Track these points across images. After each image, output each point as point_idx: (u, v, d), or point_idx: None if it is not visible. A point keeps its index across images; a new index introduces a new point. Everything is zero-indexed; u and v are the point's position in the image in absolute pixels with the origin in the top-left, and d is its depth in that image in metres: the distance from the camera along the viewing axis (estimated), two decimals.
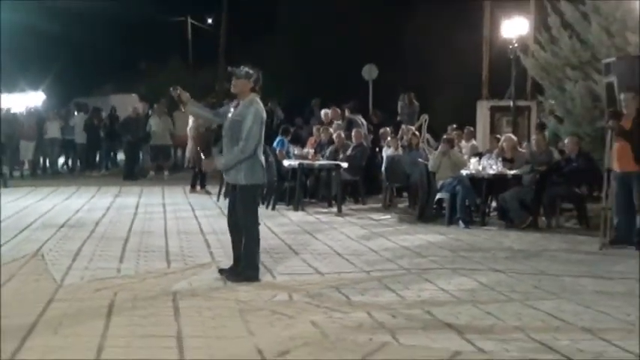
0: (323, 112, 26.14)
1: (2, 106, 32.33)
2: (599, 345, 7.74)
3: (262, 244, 12.01)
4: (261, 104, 10.84)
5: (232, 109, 10.80)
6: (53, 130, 31.16)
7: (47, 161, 31.79)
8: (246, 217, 10.86)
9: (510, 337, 8.01)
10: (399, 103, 29.05)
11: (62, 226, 16.36)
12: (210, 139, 20.41)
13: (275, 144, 21.39)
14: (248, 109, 10.58)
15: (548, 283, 10.75)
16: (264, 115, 10.84)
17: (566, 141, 17.83)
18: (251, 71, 10.80)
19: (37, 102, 39.66)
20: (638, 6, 16.98)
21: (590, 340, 7.91)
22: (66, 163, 33.07)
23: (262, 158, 10.92)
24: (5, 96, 39.72)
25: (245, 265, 10.79)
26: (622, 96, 14.24)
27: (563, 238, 15.34)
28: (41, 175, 30.46)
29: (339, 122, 24.01)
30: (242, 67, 10.92)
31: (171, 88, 11.01)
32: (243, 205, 10.90)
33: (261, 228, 13.62)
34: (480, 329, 8.29)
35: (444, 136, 19.30)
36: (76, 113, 32.71)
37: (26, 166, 30.36)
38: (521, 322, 8.62)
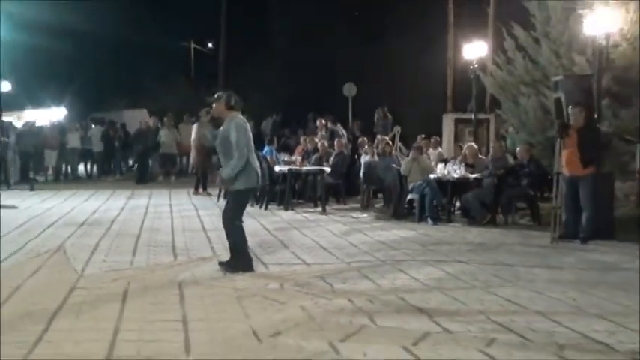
0: (318, 121, 26.19)
1: (29, 120, 32.25)
2: (551, 326, 7.73)
3: (257, 239, 12.06)
4: (241, 117, 10.90)
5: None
6: (74, 141, 31.11)
7: (68, 168, 31.71)
8: (234, 217, 10.90)
9: (473, 319, 8.00)
10: (375, 117, 29.06)
11: (82, 225, 16.31)
12: (210, 149, 20.44)
13: (264, 152, 21.38)
14: (230, 124, 10.70)
15: (506, 273, 10.75)
16: (246, 125, 10.91)
17: (517, 149, 17.90)
18: (222, 94, 11.01)
19: (59, 116, 39.60)
20: (582, 31, 16.98)
21: (543, 321, 7.91)
22: (85, 169, 32.98)
23: (257, 164, 10.95)
24: (31, 111, 39.69)
25: (238, 257, 10.80)
26: (570, 110, 14.29)
27: (519, 233, 15.35)
28: (63, 180, 30.35)
29: (323, 133, 24.04)
30: (216, 94, 11.13)
31: (204, 110, 11.13)
32: (235, 206, 10.97)
33: (255, 225, 13.66)
34: (446, 312, 8.28)
35: (414, 145, 19.34)
36: (93, 126, 32.78)
37: (50, 172, 30.27)
38: (482, 306, 8.62)
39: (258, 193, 19.34)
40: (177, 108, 33.65)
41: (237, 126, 10.70)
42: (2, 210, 18.92)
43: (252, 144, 10.90)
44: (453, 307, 8.57)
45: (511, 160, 18.10)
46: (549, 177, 15.61)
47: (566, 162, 14.05)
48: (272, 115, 33.08)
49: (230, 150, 10.67)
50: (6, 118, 31.74)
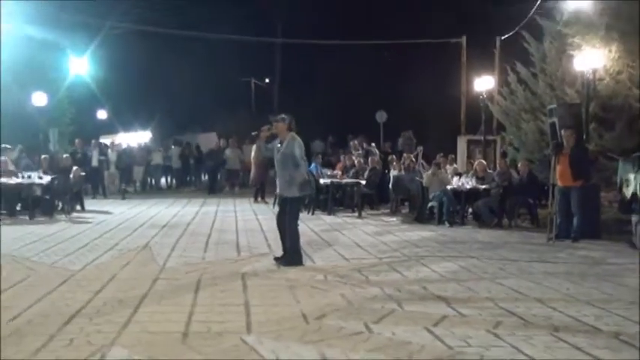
0: (351, 143, 26.25)
1: (121, 142, 32.57)
2: (548, 311, 7.65)
3: (305, 239, 12.02)
4: (299, 138, 10.92)
5: (278, 145, 10.92)
6: (157, 159, 31.39)
7: (153, 180, 31.95)
8: (292, 220, 10.90)
9: (483, 305, 7.94)
10: (400, 140, 29.04)
11: (163, 227, 16.41)
12: (267, 165, 20.48)
13: (311, 167, 21.38)
14: (293, 143, 10.74)
15: (510, 266, 10.66)
16: (303, 145, 10.93)
17: (519, 164, 17.82)
18: (285, 117, 11.00)
19: (145, 138, 39.94)
20: (572, 67, 16.89)
21: (541, 307, 7.83)
22: (166, 182, 33.20)
23: (310, 177, 11.04)
24: (123, 134, 40.12)
25: (292, 253, 10.81)
26: (562, 132, 14.23)
27: (520, 234, 15.24)
28: (148, 190, 30.55)
29: (359, 152, 24.05)
30: (279, 115, 11.13)
31: (266, 127, 11.15)
32: (292, 211, 10.96)
33: (304, 227, 13.63)
34: (461, 299, 8.22)
35: (434, 162, 19.30)
36: (173, 146, 32.94)
37: (137, 184, 30.47)
38: (490, 294, 8.55)
39: (306, 201, 19.38)
40: (240, 131, 33.71)
41: (300, 145, 10.81)
42: (100, 215, 19.12)
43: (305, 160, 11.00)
44: (466, 295, 8.51)
45: (514, 174, 18.00)
46: (545, 187, 15.50)
47: (560, 175, 14.03)
48: (327, 137, 33.24)
49: (288, 163, 10.74)
50: (102, 141, 32.12)
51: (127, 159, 29.35)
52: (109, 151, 28.29)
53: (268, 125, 11.19)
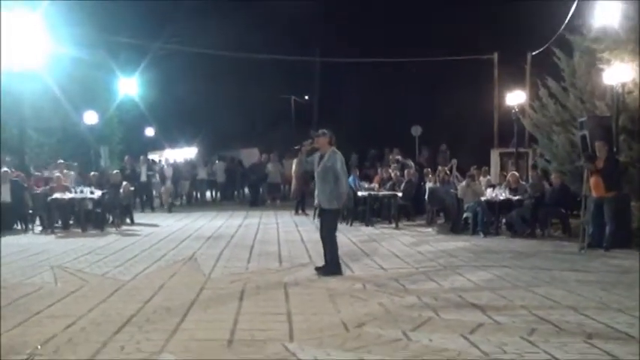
0: (390, 157, 26.24)
1: (169, 158, 32.85)
2: (581, 318, 7.57)
3: (344, 249, 12.02)
4: (340, 152, 10.93)
5: (317, 159, 10.94)
6: (202, 173, 31.57)
7: (198, 194, 32.11)
8: (330, 231, 10.93)
9: (517, 313, 7.88)
10: (439, 156, 29.01)
11: (209, 238, 16.49)
12: (307, 178, 20.53)
13: (349, 180, 21.34)
14: (335, 157, 10.79)
15: (543, 275, 10.57)
16: (344, 159, 10.95)
17: (552, 176, 17.67)
18: (326, 132, 11.03)
19: (191, 154, 40.21)
20: (602, 81, 16.72)
21: (574, 315, 7.75)
22: (211, 195, 33.31)
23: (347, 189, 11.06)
24: (169, 150, 40.47)
25: (331, 263, 10.81)
26: (596, 144, 14.15)
27: (553, 243, 15.09)
28: (193, 204, 30.73)
29: (395, 165, 23.99)
30: (320, 130, 11.16)
31: (308, 141, 11.23)
32: (331, 222, 11.00)
33: (343, 238, 13.66)
34: (495, 307, 8.16)
35: (468, 174, 19.17)
36: (217, 161, 33.08)
37: (184, 197, 30.63)
38: (524, 302, 8.47)
39: (345, 213, 19.39)
40: (281, 146, 33.85)
41: (341, 159, 10.87)
42: (148, 227, 19.29)
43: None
44: (501, 304, 8.44)
45: (546, 185, 17.86)
46: (578, 198, 15.35)
47: (592, 186, 13.91)
48: (366, 151, 33.25)
49: (329, 177, 10.78)
50: (150, 157, 32.46)
51: (175, 174, 29.62)
52: (165, 166, 28.50)
53: (310, 140, 11.23)
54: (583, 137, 14.98)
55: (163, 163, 30.30)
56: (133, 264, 12.20)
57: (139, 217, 22.46)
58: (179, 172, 30.14)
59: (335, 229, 11.04)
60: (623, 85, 16.08)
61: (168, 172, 27.78)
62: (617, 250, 13.26)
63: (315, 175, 11.12)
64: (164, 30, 35.35)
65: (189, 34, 36.07)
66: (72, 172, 22.48)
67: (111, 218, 20.19)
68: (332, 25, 43.94)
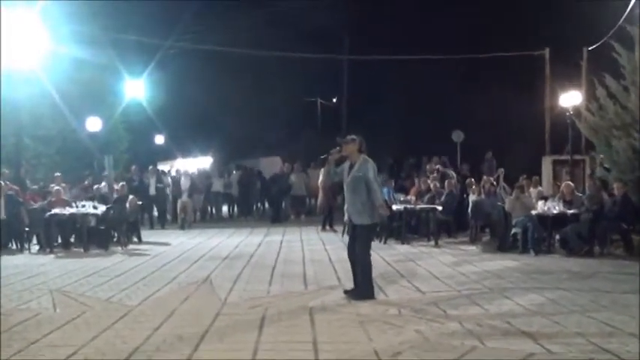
0: (428, 166, 26.25)
1: (185, 169, 32.92)
2: None
3: (377, 270, 11.99)
4: (372, 160, 10.93)
5: (347, 169, 10.95)
6: (218, 185, 31.60)
7: (213, 209, 32.20)
8: (364, 249, 10.90)
9: (572, 341, 7.84)
10: (485, 164, 28.91)
11: (225, 258, 16.55)
12: (336, 190, 20.54)
13: (383, 193, 21.34)
14: (366, 166, 10.77)
15: (602, 298, 10.50)
16: (376, 168, 10.94)
17: (614, 186, 17.55)
18: (355, 137, 11.05)
19: (206, 164, 40.35)
20: None
21: (637, 343, 7.70)
22: (228, 210, 33.33)
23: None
24: (181, 160, 40.60)
25: (363, 286, 10.80)
26: None
27: (613, 263, 14.99)
28: (208, 219, 30.83)
29: (435, 175, 23.95)
30: (348, 136, 11.15)
31: (336, 149, 11.22)
32: (365, 240, 10.96)
33: (376, 257, 13.60)
34: (548, 335, 8.13)
35: (517, 185, 19.10)
36: (234, 172, 33.08)
37: (197, 213, 30.68)
38: (581, 329, 8.43)
39: (378, 229, 19.37)
40: (306, 155, 33.89)
41: (373, 167, 10.87)
42: (157, 246, 19.41)
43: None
44: (554, 330, 8.40)
45: (605, 197, 17.74)
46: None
47: None
48: (407, 158, 33.21)
49: (360, 187, 10.76)
50: (160, 167, 32.60)
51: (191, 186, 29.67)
52: (182, 178, 28.60)
53: (338, 147, 11.23)
54: None
55: (180, 173, 30.39)
56: (141, 287, 12.27)
57: (147, 234, 22.59)
58: (194, 184, 30.25)
59: (369, 247, 11.01)
60: None
61: (185, 184, 27.84)
62: None
63: (345, 186, 11.11)
64: (175, 27, 35.53)
65: (202, 31, 36.21)
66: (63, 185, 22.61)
67: (116, 236, 20.29)
68: (362, 18, 43.97)
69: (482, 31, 37.58)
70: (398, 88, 43.45)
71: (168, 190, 28.58)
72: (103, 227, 19.71)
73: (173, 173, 31.40)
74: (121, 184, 22.78)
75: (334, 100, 56.41)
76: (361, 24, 44.20)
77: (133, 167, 28.57)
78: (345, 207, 11.25)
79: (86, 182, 22.84)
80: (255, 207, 33.58)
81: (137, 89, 33.73)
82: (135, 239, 20.92)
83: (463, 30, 39.25)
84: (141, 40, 32.21)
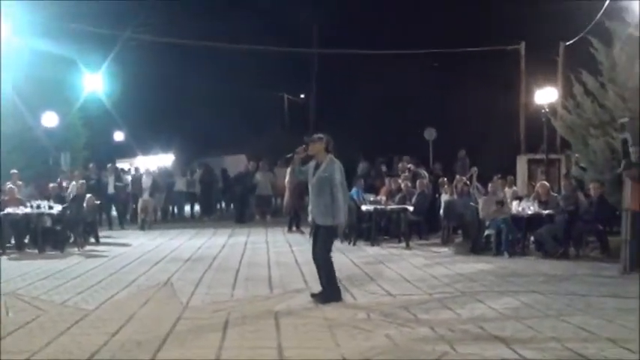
0: (399, 165, 26.27)
1: (146, 167, 32.72)
2: (621, 352, 7.60)
3: (345, 272, 12.06)
4: (339, 161, 10.93)
5: (312, 168, 10.96)
6: (180, 184, 31.43)
7: (175, 209, 32.05)
8: (324, 250, 10.93)
9: (547, 346, 7.90)
10: (458, 163, 28.99)
11: (187, 260, 16.51)
12: (303, 190, 20.50)
13: (352, 193, 21.32)
14: (332, 167, 10.77)
15: (578, 302, 10.58)
16: (343, 169, 10.92)
17: (591, 186, 17.66)
18: (322, 136, 11.06)
19: (167, 162, 40.15)
20: None
21: (613, 348, 7.77)
22: (191, 210, 33.17)
23: (351, 204, 11.02)
24: (142, 158, 40.37)
25: (328, 288, 10.82)
26: (630, 149, 14.15)
27: (589, 265, 15.11)
28: (170, 219, 30.70)
29: (406, 174, 23.99)
30: (315, 134, 11.12)
31: (302, 147, 11.19)
32: (325, 241, 10.97)
33: (344, 259, 13.65)
34: (522, 340, 8.18)
35: (491, 184, 19.16)
36: (197, 170, 32.93)
37: (158, 212, 30.50)
38: (556, 333, 8.49)
39: (347, 230, 19.41)
40: (272, 153, 33.82)
41: (340, 168, 10.87)
42: (116, 247, 19.31)
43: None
44: (528, 335, 8.45)
45: (581, 197, 17.86)
46: (617, 212, 15.34)
47: (631, 198, 13.85)
48: (374, 159, 33.23)
49: (325, 188, 10.76)
50: (119, 165, 32.40)
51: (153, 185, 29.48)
52: (144, 176, 28.39)
53: (304, 146, 11.21)
54: (624, 141, 14.96)
55: (139, 171, 30.21)
56: (99, 290, 12.21)
57: (105, 235, 22.48)
58: (155, 182, 30.08)
59: (329, 248, 11.02)
60: None
61: (147, 183, 27.68)
62: None
63: (309, 186, 11.11)
64: (135, 17, 35.30)
65: (164, 22, 36.05)
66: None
67: (73, 237, 20.17)
68: (332, 11, 44.00)
69: (456, 25, 37.74)
70: (368, 84, 43.51)
71: (128, 189, 28.44)
72: (58, 227, 19.57)
73: (133, 171, 31.24)
74: (80, 182, 22.58)
75: (302, 96, 56.40)
76: (331, 18, 44.29)
77: (91, 165, 28.37)
78: (309, 207, 11.24)
79: (51, 185, 22.60)
80: (218, 206, 33.49)
81: (95, 83, 33.41)
82: (92, 240, 20.79)
83: (436, 24, 39.41)
84: (99, 32, 31.92)
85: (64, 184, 24.06)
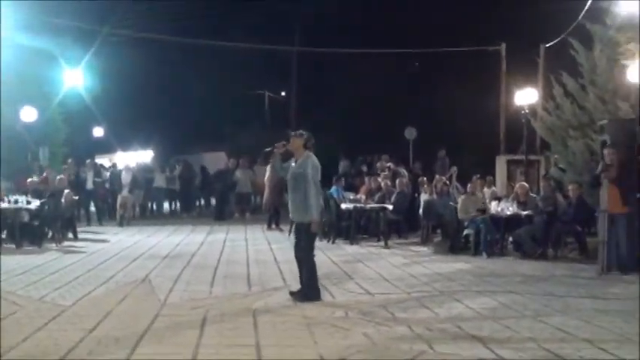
0: (379, 164, 26.29)
1: (127, 163, 32.53)
2: (598, 353, 7.63)
3: (324, 270, 12.03)
4: (315, 158, 10.94)
5: (293, 164, 10.95)
6: (160, 181, 31.27)
7: (154, 205, 31.94)
8: (306, 249, 10.93)
9: (524, 346, 7.93)
10: (438, 163, 29.02)
11: (165, 257, 16.46)
12: (282, 187, 20.51)
13: (331, 191, 21.32)
14: (306, 162, 10.81)
15: (555, 303, 10.62)
16: (319, 165, 10.92)
17: (569, 187, 17.71)
18: (303, 133, 11.06)
19: (146, 158, 40.03)
20: (626, 79, 16.84)
21: (590, 348, 7.80)
22: (170, 206, 33.05)
23: (321, 202, 10.98)
24: (121, 154, 40.20)
25: (308, 288, 10.82)
26: (604, 151, 14.23)
27: (567, 266, 15.14)
28: (149, 216, 30.59)
29: (386, 173, 24.02)
30: (298, 131, 11.17)
31: (282, 143, 11.20)
32: (306, 239, 10.98)
33: (323, 257, 13.64)
34: (499, 340, 8.20)
35: (470, 184, 19.20)
36: (177, 167, 32.81)
37: (137, 209, 30.39)
38: (533, 334, 8.52)
39: (326, 229, 19.42)
40: (252, 150, 33.75)
41: (314, 165, 10.83)
42: (94, 244, 19.24)
43: (319, 183, 10.99)
44: (506, 335, 8.48)
45: (560, 198, 17.92)
46: (595, 213, 15.40)
47: (608, 199, 13.91)
48: (357, 156, 33.15)
49: (300, 184, 10.79)
50: (98, 161, 32.24)
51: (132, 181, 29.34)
52: (123, 172, 28.23)
53: (284, 141, 11.23)
54: (603, 143, 15.04)
55: (117, 167, 30.08)
56: (76, 286, 12.17)
57: (83, 231, 22.39)
58: (135, 179, 29.95)
59: (311, 246, 11.04)
60: None
61: (126, 179, 27.54)
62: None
63: (287, 183, 11.15)
64: (115, 12, 35.11)
65: (144, 18, 35.88)
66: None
67: (51, 232, 20.07)
68: (314, 9, 43.94)
69: (437, 24, 37.78)
70: (349, 83, 43.58)
71: (107, 185, 28.32)
72: (36, 223, 19.49)
73: (111, 167, 31.11)
74: (59, 177, 22.48)
75: (283, 93, 56.36)
76: (313, 16, 44.21)
77: (70, 160, 28.23)
78: (289, 204, 11.27)
79: (29, 180, 22.47)
80: (198, 203, 33.40)
81: (76, 78, 33.22)
82: (70, 236, 20.69)
83: (418, 24, 39.43)
84: (80, 26, 31.74)
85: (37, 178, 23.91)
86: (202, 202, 34.18)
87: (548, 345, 7.94)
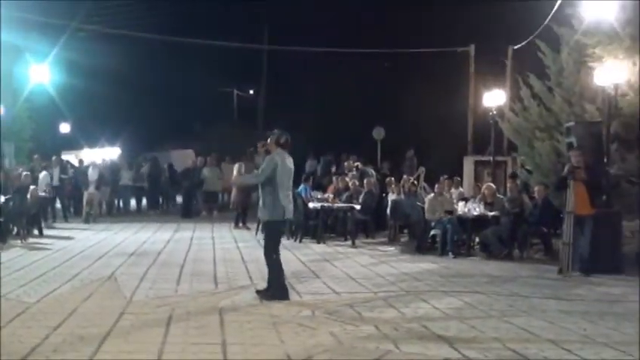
0: (346, 163, 26.27)
1: (93, 159, 32.30)
2: (562, 353, 7.69)
3: (291, 269, 12.03)
4: (280, 155, 10.93)
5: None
6: (126, 178, 31.10)
7: (120, 202, 31.75)
8: (269, 248, 10.97)
9: (490, 346, 7.97)
10: (407, 163, 29.06)
11: (131, 255, 16.38)
12: (250, 187, 20.45)
13: (299, 190, 21.31)
14: (267, 160, 10.89)
15: (521, 303, 10.69)
16: (278, 162, 10.85)
17: (535, 189, 17.81)
18: (276, 132, 11.17)
19: (113, 155, 39.78)
20: (592, 81, 16.95)
21: (554, 349, 7.87)
22: (137, 204, 32.89)
23: (286, 200, 10.95)
24: (88, 150, 39.91)
25: (274, 287, 10.83)
26: (570, 153, 14.34)
27: (533, 267, 15.24)
28: (115, 213, 30.41)
29: (354, 172, 24.05)
30: (274, 130, 11.19)
31: (261, 142, 11.28)
32: (268, 237, 11.08)
33: (290, 256, 13.64)
34: (465, 340, 8.25)
35: (437, 185, 19.28)
36: (144, 164, 32.65)
37: (103, 206, 30.18)
38: (498, 334, 8.57)
39: (293, 227, 19.42)
40: (220, 148, 33.71)
41: (270, 160, 10.83)
42: (60, 241, 19.11)
43: (285, 181, 10.95)
44: (471, 335, 8.53)
45: (526, 200, 18.02)
46: (561, 215, 15.52)
47: (575, 201, 14.00)
48: (319, 156, 33.10)
49: (264, 183, 10.85)
50: (65, 157, 32.01)
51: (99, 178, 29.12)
52: (90, 169, 27.99)
53: (263, 142, 11.30)
54: (570, 145, 15.16)
55: (84, 164, 29.87)
56: (41, 283, 12.08)
57: (48, 228, 22.22)
58: (102, 176, 29.74)
59: (273, 244, 11.06)
60: (617, 87, 16.28)
61: (93, 176, 27.33)
62: (604, 276, 13.42)
63: None
64: (82, 7, 34.85)
65: (113, 13, 35.68)
66: None
67: (15, 229, 19.92)
68: (283, 6, 43.94)
69: (407, 25, 37.89)
70: (318, 82, 43.62)
71: (73, 182, 28.11)
72: (1, 219, 19.31)
73: (77, 164, 30.89)
74: (25, 173, 22.30)
75: (251, 92, 56.27)
76: (282, 14, 44.23)
77: (35, 156, 28.02)
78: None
79: (20, 170, 22.30)
80: (164, 201, 33.25)
81: (42, 74, 33.00)
82: (35, 232, 20.53)
83: (388, 25, 39.55)
84: (46, 20, 31.48)
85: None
86: (168, 199, 34.02)
87: (513, 345, 7.99)
